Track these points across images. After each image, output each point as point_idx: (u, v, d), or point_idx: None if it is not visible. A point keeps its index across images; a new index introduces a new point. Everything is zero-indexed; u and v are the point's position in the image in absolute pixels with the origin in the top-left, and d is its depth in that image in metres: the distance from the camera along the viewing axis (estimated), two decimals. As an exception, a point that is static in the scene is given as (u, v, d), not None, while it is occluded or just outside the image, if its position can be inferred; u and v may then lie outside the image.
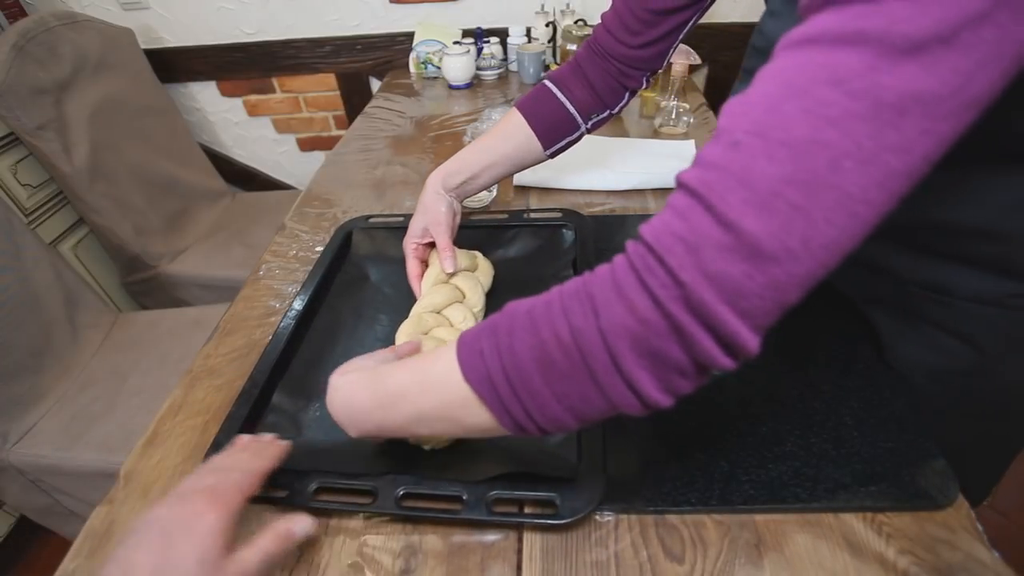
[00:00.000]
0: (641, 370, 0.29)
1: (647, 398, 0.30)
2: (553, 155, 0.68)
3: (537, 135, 0.66)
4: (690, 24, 0.59)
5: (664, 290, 0.27)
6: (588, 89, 0.65)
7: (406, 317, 0.63)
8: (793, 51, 0.27)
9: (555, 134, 0.67)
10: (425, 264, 0.68)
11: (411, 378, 0.38)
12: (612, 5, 0.62)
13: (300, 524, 0.40)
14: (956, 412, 0.58)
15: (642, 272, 0.28)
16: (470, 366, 0.34)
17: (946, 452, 0.49)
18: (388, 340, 0.61)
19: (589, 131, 0.68)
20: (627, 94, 0.66)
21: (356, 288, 0.72)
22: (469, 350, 0.35)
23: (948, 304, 0.53)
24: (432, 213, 0.65)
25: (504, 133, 0.67)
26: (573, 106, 0.65)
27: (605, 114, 0.67)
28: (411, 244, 0.67)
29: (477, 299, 0.64)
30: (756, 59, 0.46)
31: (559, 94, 0.66)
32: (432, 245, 0.67)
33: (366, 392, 0.40)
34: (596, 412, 0.32)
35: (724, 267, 0.26)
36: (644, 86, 0.66)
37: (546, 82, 0.67)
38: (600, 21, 0.64)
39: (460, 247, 0.72)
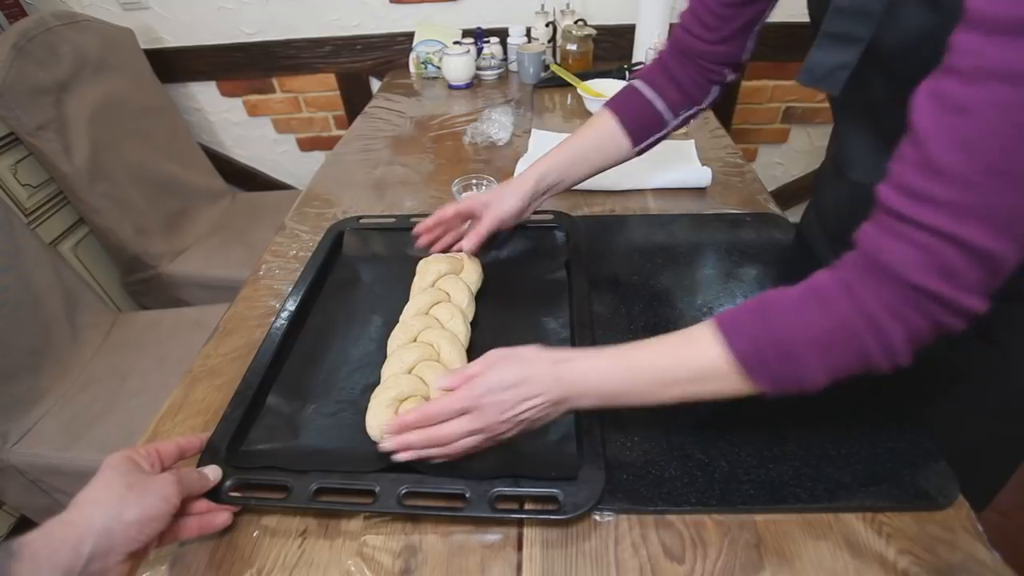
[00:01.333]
0: (907, 348, 0.37)
1: (903, 363, 0.38)
2: (641, 152, 0.70)
3: (627, 132, 0.68)
4: (765, 14, 0.60)
5: (933, 306, 0.35)
6: (674, 86, 0.66)
7: (398, 318, 0.63)
8: (1004, 86, 0.30)
9: (644, 132, 0.68)
10: (443, 229, 0.70)
11: (671, 363, 0.44)
12: (689, 5, 0.63)
13: (212, 471, 0.47)
14: (969, 413, 0.58)
15: (907, 292, 0.35)
16: (746, 354, 0.40)
17: (953, 455, 0.49)
18: (382, 341, 0.61)
19: (679, 127, 0.70)
20: (714, 88, 0.67)
21: (348, 289, 0.72)
22: (742, 339, 0.41)
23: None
24: (502, 204, 0.66)
25: (592, 132, 0.69)
26: (661, 103, 0.67)
27: (694, 109, 0.68)
28: (452, 209, 0.68)
29: (462, 297, 0.64)
30: (845, 22, 0.46)
31: (647, 92, 0.67)
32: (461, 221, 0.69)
33: (616, 375, 0.44)
34: (852, 374, 0.40)
35: (976, 278, 0.34)
36: (730, 78, 0.66)
37: (634, 82, 0.69)
38: (679, 20, 0.65)
39: (447, 251, 0.72)
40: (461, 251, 0.69)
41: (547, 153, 0.69)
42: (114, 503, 0.38)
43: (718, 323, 0.42)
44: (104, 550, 0.36)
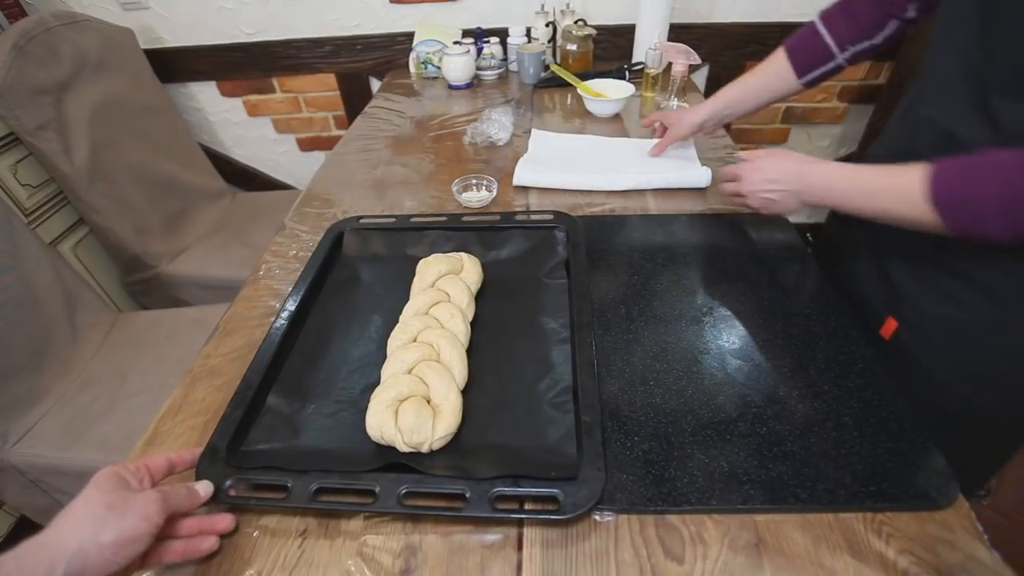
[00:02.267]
0: None
1: None
2: (809, 84, 0.78)
3: (791, 63, 0.77)
4: None
5: None
6: (848, 20, 0.71)
7: (398, 318, 0.63)
8: None
9: (808, 62, 0.76)
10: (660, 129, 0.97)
11: (886, 187, 0.56)
12: None
13: (203, 487, 0.46)
14: (964, 376, 0.62)
15: None
16: (941, 202, 0.50)
17: (948, 430, 0.54)
18: (381, 341, 0.61)
19: (849, 62, 0.74)
20: (891, 23, 0.68)
21: (348, 289, 0.72)
22: (940, 191, 0.50)
23: (982, 256, 0.57)
24: (680, 121, 0.90)
25: (762, 68, 0.81)
26: (829, 35, 0.73)
27: (865, 44, 0.71)
28: (654, 118, 0.97)
29: (462, 297, 0.64)
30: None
31: (819, 26, 0.74)
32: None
33: (845, 182, 0.60)
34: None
35: None
36: (912, 15, 0.66)
37: (813, 19, 0.76)
38: None
39: (449, 251, 0.73)
40: (459, 259, 0.71)
41: (726, 87, 0.84)
42: (90, 524, 0.37)
43: (930, 170, 0.51)
44: (78, 573, 0.35)
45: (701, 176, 0.89)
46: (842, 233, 0.77)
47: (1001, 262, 0.56)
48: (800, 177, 0.64)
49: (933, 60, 0.61)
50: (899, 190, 0.54)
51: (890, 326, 0.66)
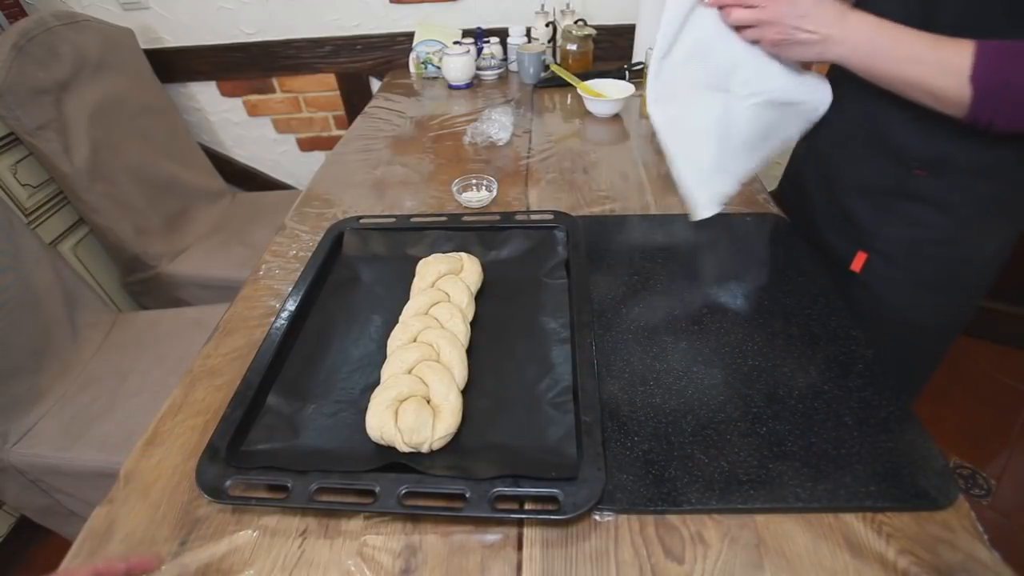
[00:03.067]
0: None
1: None
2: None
3: None
4: None
5: None
6: None
7: (398, 318, 0.63)
8: None
9: None
10: None
11: (931, 55, 0.53)
12: None
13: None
14: (921, 288, 0.69)
15: None
16: (980, 83, 0.50)
17: (897, 345, 0.66)
18: (382, 341, 0.61)
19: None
20: None
21: (348, 289, 0.72)
22: (985, 71, 0.50)
23: (939, 177, 0.62)
24: None
25: None
26: None
27: None
28: None
29: (462, 297, 0.65)
30: None
31: None
32: None
33: (889, 40, 0.55)
34: None
35: None
36: None
37: None
38: None
39: (449, 251, 0.73)
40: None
41: None
42: None
43: (980, 47, 0.50)
44: None
45: (818, 88, 0.68)
46: (798, 191, 0.83)
47: (949, 175, 0.61)
48: (840, 20, 0.56)
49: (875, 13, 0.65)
50: (945, 62, 0.52)
51: (860, 259, 0.72)
